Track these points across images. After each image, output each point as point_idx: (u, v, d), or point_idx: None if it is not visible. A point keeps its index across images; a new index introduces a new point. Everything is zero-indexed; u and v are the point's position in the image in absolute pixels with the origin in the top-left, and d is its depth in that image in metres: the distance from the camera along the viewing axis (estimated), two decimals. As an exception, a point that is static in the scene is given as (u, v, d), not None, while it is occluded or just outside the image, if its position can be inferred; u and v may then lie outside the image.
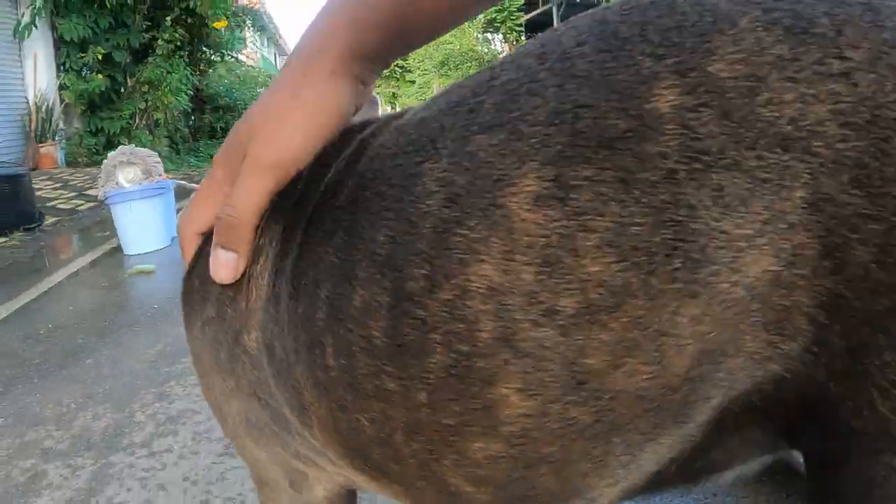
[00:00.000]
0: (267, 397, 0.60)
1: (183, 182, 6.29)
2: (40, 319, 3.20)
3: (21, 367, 2.56)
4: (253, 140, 0.59)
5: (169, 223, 4.87)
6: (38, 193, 8.05)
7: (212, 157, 10.52)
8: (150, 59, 11.56)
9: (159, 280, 3.79)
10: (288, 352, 0.55)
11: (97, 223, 6.18)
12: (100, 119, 11.23)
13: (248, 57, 26.05)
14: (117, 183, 4.57)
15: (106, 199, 4.59)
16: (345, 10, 0.60)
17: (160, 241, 4.65)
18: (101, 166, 4.67)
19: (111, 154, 4.66)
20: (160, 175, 4.68)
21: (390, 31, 0.59)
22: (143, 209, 4.54)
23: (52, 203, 7.86)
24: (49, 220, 6.87)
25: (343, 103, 0.59)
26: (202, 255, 0.67)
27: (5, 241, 5.87)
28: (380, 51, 0.61)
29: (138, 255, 4.53)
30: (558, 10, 23.98)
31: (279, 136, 0.58)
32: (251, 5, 17.08)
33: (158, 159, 4.79)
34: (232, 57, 18.02)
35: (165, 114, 11.93)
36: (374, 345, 0.48)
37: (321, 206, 0.56)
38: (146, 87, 11.52)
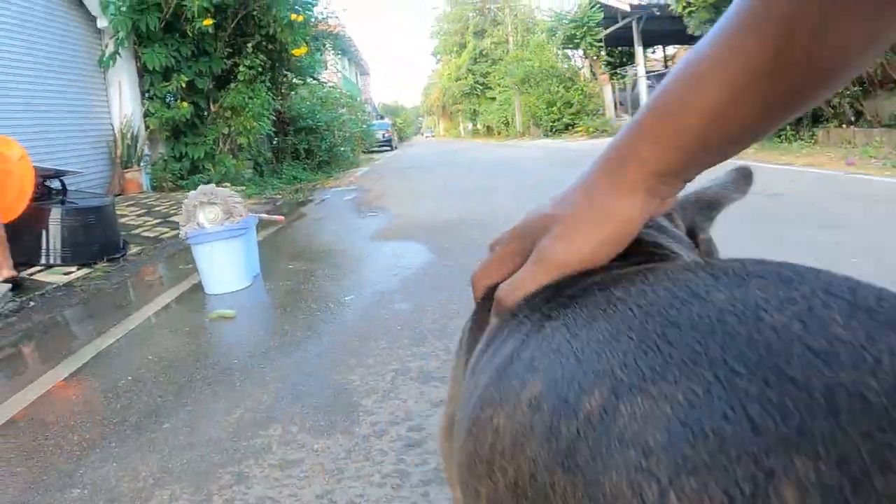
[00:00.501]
0: None
1: (264, 215, 6.20)
2: (121, 368, 3.05)
3: (100, 427, 2.41)
4: (547, 234, 0.63)
5: (250, 262, 4.72)
6: (123, 220, 8.08)
7: (295, 178, 10.53)
8: (232, 85, 11.63)
9: (239, 326, 3.61)
10: None
11: (181, 252, 6.11)
12: (184, 145, 11.34)
13: (329, 78, 26.26)
14: (198, 223, 4.45)
15: (187, 238, 4.48)
16: (650, 128, 0.60)
17: (241, 282, 4.50)
18: (183, 205, 4.56)
19: (192, 193, 4.54)
20: (241, 215, 4.55)
21: (693, 149, 0.59)
22: (223, 250, 4.40)
23: (136, 231, 7.86)
24: (133, 248, 6.84)
25: (636, 217, 0.61)
26: (482, 308, 0.70)
27: (90, 273, 5.83)
28: (682, 168, 0.60)
29: (220, 294, 4.40)
30: (638, 24, 23.70)
31: (571, 241, 0.60)
32: (331, 30, 17.10)
33: (239, 199, 4.65)
34: (314, 79, 18.13)
35: (248, 138, 11.96)
36: None
37: (568, 303, 0.53)
38: (229, 112, 11.59)
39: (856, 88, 11.25)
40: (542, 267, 0.61)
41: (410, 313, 3.35)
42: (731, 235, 3.73)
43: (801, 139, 12.07)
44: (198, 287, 4.60)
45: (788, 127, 12.30)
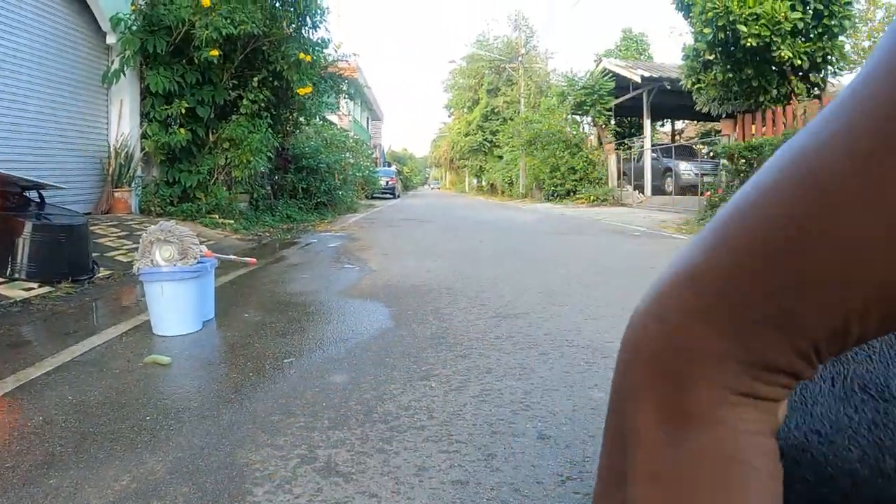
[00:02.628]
0: None
1: (233, 256, 6.10)
2: (36, 406, 2.92)
3: (-12, 473, 2.29)
4: None
5: (202, 307, 4.59)
6: (101, 240, 8.00)
7: (289, 217, 10.50)
8: (233, 117, 11.62)
9: (169, 377, 3.47)
10: None
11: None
12: (178, 171, 11.30)
13: (340, 118, 26.38)
14: (152, 260, 4.36)
15: (139, 274, 4.38)
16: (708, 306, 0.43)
17: (189, 326, 4.37)
18: (140, 239, 4.47)
19: (150, 228, 4.45)
20: (195, 257, 4.44)
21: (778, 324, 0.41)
22: (174, 291, 4.28)
23: (111, 253, 7.77)
24: (102, 272, 6.73)
25: (729, 451, 0.42)
26: None
27: (51, 292, 5.73)
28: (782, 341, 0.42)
29: (166, 337, 4.28)
30: (648, 96, 23.94)
31: None
32: (343, 73, 17.16)
33: (197, 240, 4.54)
34: (321, 120, 18.16)
35: (244, 172, 11.92)
36: None
37: None
38: (227, 143, 11.56)
39: None
40: None
41: (341, 388, 3.20)
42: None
43: None
44: (148, 325, 4.49)
45: None
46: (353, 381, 3.33)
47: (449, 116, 68.93)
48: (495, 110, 51.57)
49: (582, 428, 2.78)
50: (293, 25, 12.68)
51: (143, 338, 4.29)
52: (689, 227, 13.97)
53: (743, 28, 13.67)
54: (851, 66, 18.29)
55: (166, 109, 10.83)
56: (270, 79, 12.28)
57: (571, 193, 28.38)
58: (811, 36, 14.29)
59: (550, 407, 3.02)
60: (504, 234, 12.70)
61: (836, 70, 15.59)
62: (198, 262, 4.50)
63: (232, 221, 11.60)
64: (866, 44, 21.19)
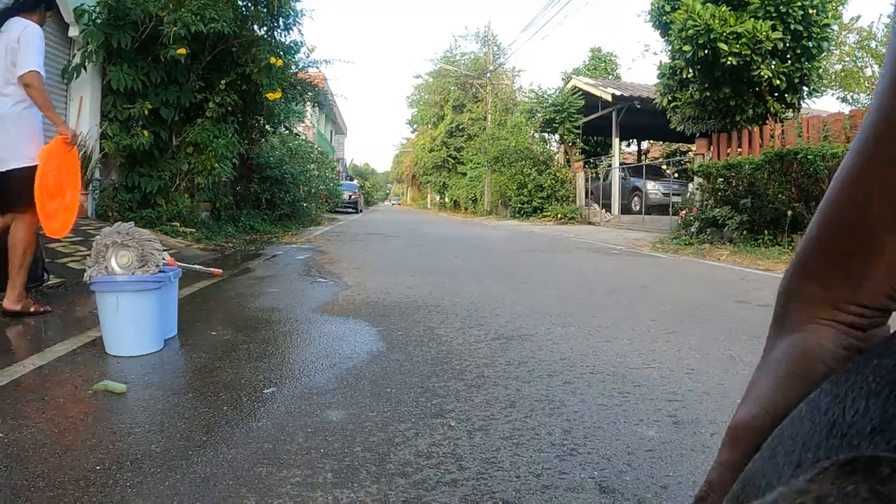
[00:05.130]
0: None
1: (198, 266, 5.48)
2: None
3: None
4: None
5: (164, 322, 3.96)
6: (53, 245, 7.38)
7: (252, 227, 9.89)
8: (199, 120, 10.97)
9: (124, 409, 2.82)
10: None
11: (98, 297, 5.36)
12: (138, 175, 10.61)
13: (303, 131, 25.87)
14: (107, 267, 3.73)
15: (91, 284, 3.74)
16: (810, 259, 0.57)
17: (149, 345, 3.74)
18: (94, 243, 3.83)
19: (105, 230, 3.81)
20: (157, 265, 3.82)
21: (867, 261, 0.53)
22: (132, 304, 3.65)
23: (63, 260, 7.16)
24: (53, 280, 6.10)
25: (814, 351, 0.55)
26: None
27: (-5, 300, 5.08)
28: (866, 287, 0.53)
29: (121, 357, 3.65)
30: (618, 114, 23.86)
31: (738, 410, 0.57)
32: (312, 81, 16.58)
33: (159, 245, 3.92)
34: (287, 129, 17.64)
35: (208, 179, 11.27)
36: None
37: None
38: (191, 148, 10.91)
39: None
40: (720, 449, 0.57)
41: (341, 429, 2.59)
42: (741, 355, 3.09)
43: (780, 244, 11.94)
44: (100, 343, 3.86)
45: (766, 231, 12.31)
46: (354, 418, 2.73)
47: (412, 132, 68.67)
48: (460, 126, 51.38)
49: (647, 476, 2.31)
50: (265, 27, 12.07)
51: (94, 359, 3.65)
52: (664, 246, 13.84)
53: (723, 46, 13.55)
54: (825, 88, 18.33)
55: (129, 109, 10.13)
56: (239, 82, 11.60)
57: (538, 211, 28.18)
58: (789, 57, 14.34)
59: (600, 450, 2.53)
60: (478, 251, 12.24)
61: (812, 91, 15.63)
62: (160, 271, 3.90)
63: (193, 230, 10.95)
64: (837, 66, 21.16)
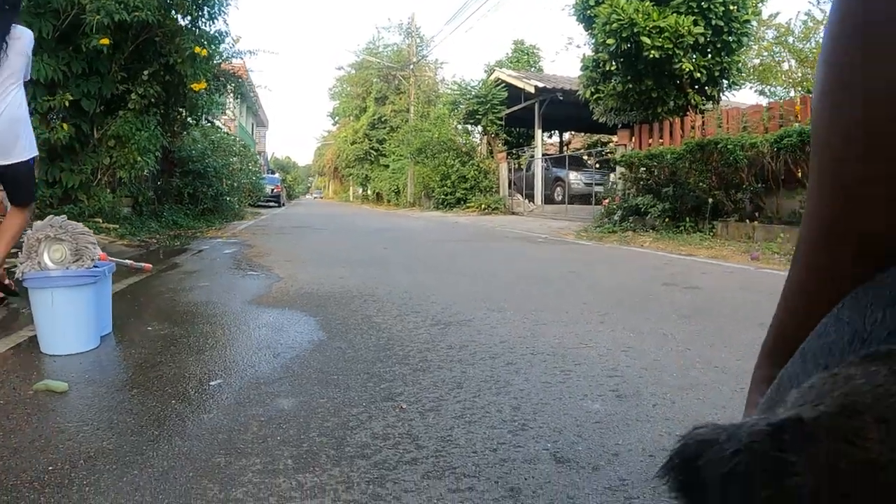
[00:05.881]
0: None
1: (129, 261, 5.38)
2: None
3: None
4: None
5: (100, 319, 3.88)
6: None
7: (175, 223, 9.71)
8: (121, 112, 10.70)
9: (67, 408, 2.77)
10: None
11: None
12: (59, 169, 10.29)
13: (225, 124, 25.52)
14: (40, 263, 3.65)
15: (23, 280, 3.64)
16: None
17: (87, 343, 3.66)
18: (25, 237, 3.74)
19: (37, 224, 3.71)
20: (93, 259, 3.75)
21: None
22: (67, 300, 3.57)
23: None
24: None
25: None
26: None
27: None
28: None
29: (58, 356, 3.57)
30: (540, 106, 24.05)
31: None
32: (235, 72, 16.33)
33: (93, 239, 3.85)
34: (209, 122, 17.35)
35: (130, 173, 11.01)
36: None
37: None
38: (113, 141, 10.63)
39: (759, 186, 11.75)
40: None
41: (294, 416, 2.60)
42: (673, 333, 3.18)
43: (701, 231, 12.30)
44: (34, 343, 3.77)
45: (687, 218, 12.66)
46: (305, 406, 2.74)
47: (334, 124, 68.17)
48: (383, 119, 51.20)
49: (598, 445, 2.39)
50: (189, 16, 11.81)
51: (29, 359, 3.56)
52: (588, 234, 14.14)
53: (646, 40, 13.82)
54: (744, 81, 18.87)
55: (49, 101, 9.82)
56: (162, 72, 11.29)
57: (462, 202, 28.30)
58: (710, 51, 14.76)
59: (551, 424, 2.60)
60: (405, 242, 12.26)
61: (731, 84, 16.10)
62: (94, 266, 3.83)
63: (116, 226, 10.71)
64: (756, 61, 21.73)
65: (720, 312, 5.23)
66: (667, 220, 13.07)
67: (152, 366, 3.37)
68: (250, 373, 3.25)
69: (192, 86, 11.85)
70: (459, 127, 30.98)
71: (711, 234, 12.20)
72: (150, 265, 5.80)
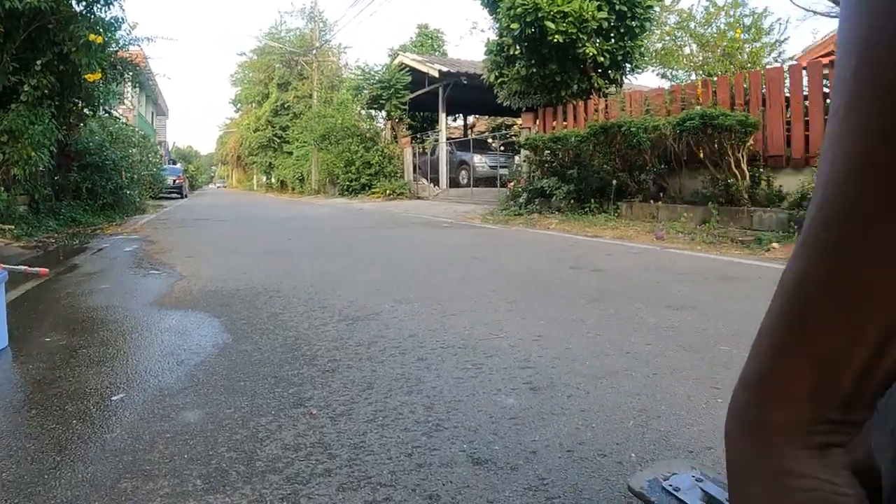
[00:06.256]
0: None
1: (24, 267, 5.18)
2: None
3: None
4: None
5: (-6, 329, 3.75)
6: None
7: (74, 220, 9.33)
8: (13, 106, 10.27)
9: None
10: None
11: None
12: (-52, 169, 9.86)
13: (124, 114, 24.84)
14: (-73, 272, 3.47)
15: None
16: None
17: (-23, 356, 3.52)
18: None
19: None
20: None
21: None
22: (-43, 313, 3.43)
23: None
24: None
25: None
26: None
27: None
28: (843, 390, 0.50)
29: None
30: (444, 90, 24.10)
31: None
32: (133, 60, 15.82)
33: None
34: (106, 112, 16.81)
35: (25, 169, 10.59)
36: None
37: None
38: (5, 137, 10.21)
39: (662, 167, 12.21)
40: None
41: (201, 430, 2.51)
42: (582, 318, 3.21)
43: (606, 212, 12.64)
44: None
45: (592, 200, 12.97)
46: (212, 418, 2.65)
47: (236, 112, 67.05)
48: (286, 105, 50.64)
49: (515, 443, 2.39)
50: (84, 2, 11.35)
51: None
52: (494, 218, 14.35)
53: (550, 25, 14.03)
54: (646, 65, 19.29)
55: (-67, 94, 9.40)
56: (56, 62, 10.83)
57: (367, 188, 28.22)
58: (613, 35, 15.14)
59: (465, 423, 2.59)
60: (310, 231, 12.18)
61: (634, 68, 16.56)
62: (-15, 275, 3.66)
63: (12, 227, 10.30)
64: (658, 45, 22.18)
65: (628, 294, 5.33)
66: (572, 201, 13.30)
67: (51, 382, 3.20)
68: (154, 384, 3.14)
69: (86, 77, 11.43)
70: (363, 112, 30.83)
71: (616, 214, 12.50)
72: (47, 269, 5.55)
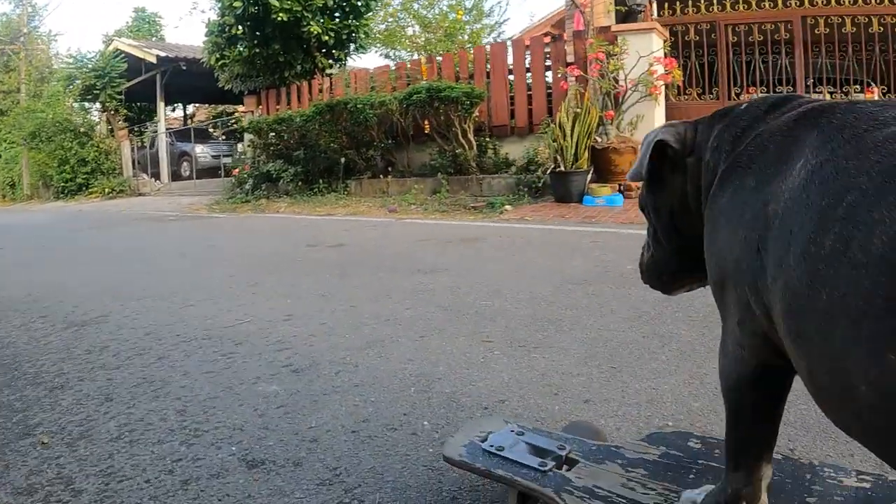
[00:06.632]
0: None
1: None
2: None
3: None
4: None
5: None
6: None
7: None
8: None
9: None
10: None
11: None
12: None
13: None
14: None
15: None
16: None
17: None
18: None
19: None
20: None
21: None
22: None
23: None
24: None
25: None
26: None
27: None
28: None
29: None
30: (163, 77, 23.17)
31: None
32: None
33: None
34: None
35: None
36: None
37: None
38: None
39: (389, 142, 12.59)
40: None
41: None
42: (332, 293, 2.97)
43: (335, 191, 12.78)
44: None
45: (321, 180, 13.10)
46: None
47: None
48: (-8, 102, 46.50)
49: (290, 434, 2.18)
50: None
51: None
52: (221, 207, 14.15)
53: (275, 3, 13.85)
54: (371, 44, 19.50)
55: None
56: None
57: (84, 188, 26.26)
58: (338, 14, 15.23)
59: (228, 422, 2.31)
60: (25, 239, 10.99)
61: (359, 48, 16.69)
62: None
63: None
64: (382, 26, 22.49)
65: (375, 265, 5.32)
66: (300, 183, 13.36)
67: None
68: None
69: None
70: (76, 105, 28.77)
71: (346, 192, 12.69)
72: None
